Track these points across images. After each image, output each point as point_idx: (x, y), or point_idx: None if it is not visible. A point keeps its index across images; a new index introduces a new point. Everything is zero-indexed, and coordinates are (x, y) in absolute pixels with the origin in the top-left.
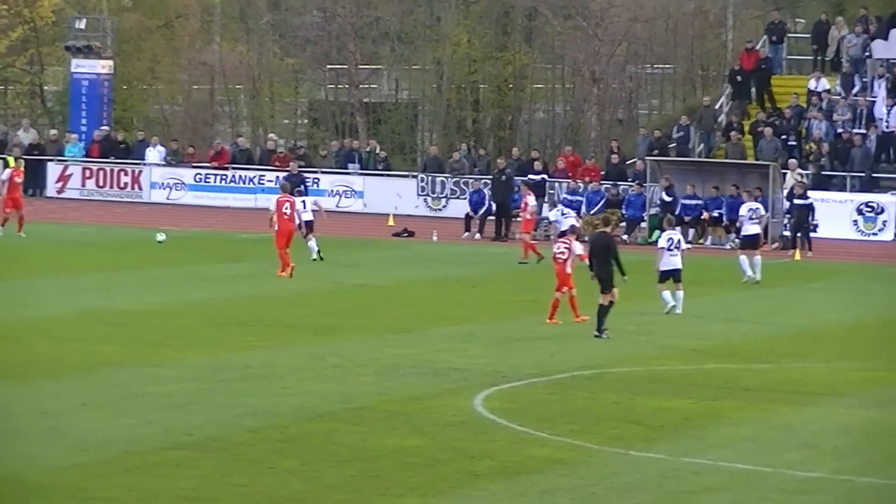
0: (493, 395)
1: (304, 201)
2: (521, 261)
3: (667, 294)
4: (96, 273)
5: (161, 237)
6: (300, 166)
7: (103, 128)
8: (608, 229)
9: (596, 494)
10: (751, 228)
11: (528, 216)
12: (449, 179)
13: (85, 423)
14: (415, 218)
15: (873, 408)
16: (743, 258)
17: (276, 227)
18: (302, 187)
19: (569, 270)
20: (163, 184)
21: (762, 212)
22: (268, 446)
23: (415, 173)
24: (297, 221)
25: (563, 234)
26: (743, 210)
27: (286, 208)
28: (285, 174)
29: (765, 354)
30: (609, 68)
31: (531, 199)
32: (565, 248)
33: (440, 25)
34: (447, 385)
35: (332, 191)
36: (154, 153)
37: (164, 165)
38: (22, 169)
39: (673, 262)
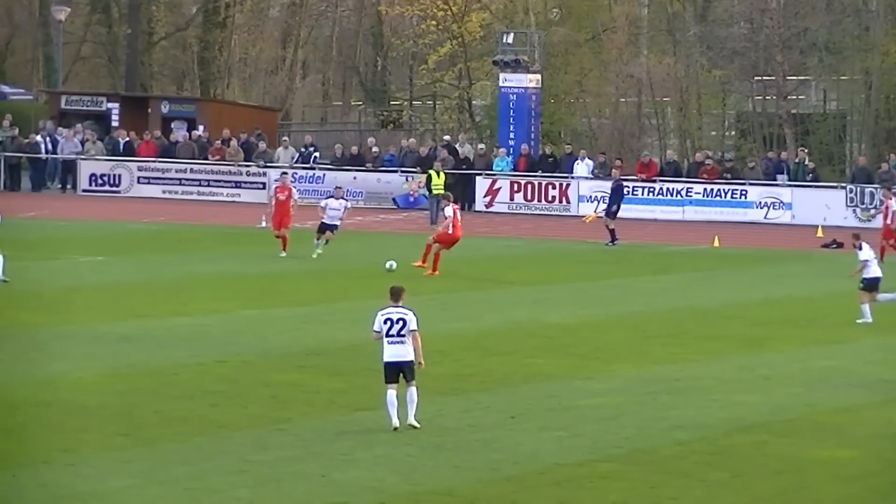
0: None
1: None
2: None
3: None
4: (526, 286)
5: (391, 265)
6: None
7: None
8: None
9: None
10: None
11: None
12: (878, 190)
13: (515, 436)
14: (843, 229)
15: None
16: None
17: None
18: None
19: None
20: (591, 197)
21: None
22: (697, 459)
23: (843, 184)
24: None
25: None
26: None
27: None
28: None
29: None
30: None
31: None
32: None
33: (869, 35)
34: (878, 396)
35: (760, 202)
36: (582, 166)
37: (591, 178)
38: (286, 185)
39: None
